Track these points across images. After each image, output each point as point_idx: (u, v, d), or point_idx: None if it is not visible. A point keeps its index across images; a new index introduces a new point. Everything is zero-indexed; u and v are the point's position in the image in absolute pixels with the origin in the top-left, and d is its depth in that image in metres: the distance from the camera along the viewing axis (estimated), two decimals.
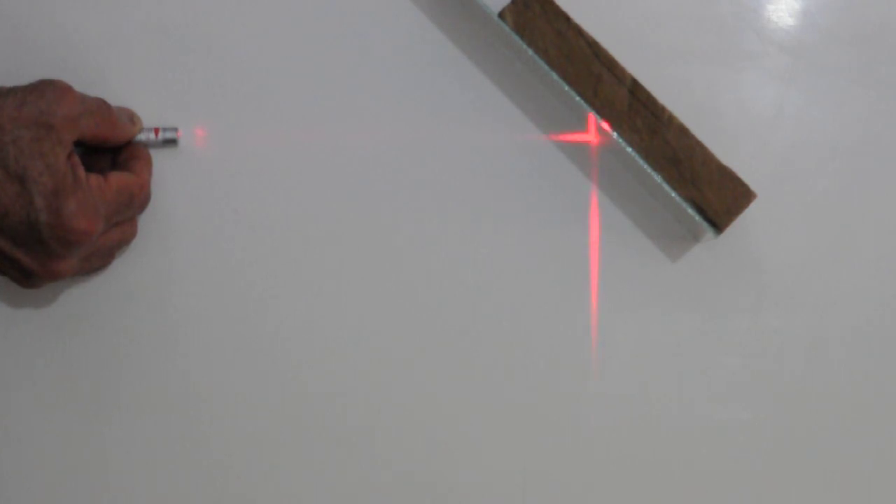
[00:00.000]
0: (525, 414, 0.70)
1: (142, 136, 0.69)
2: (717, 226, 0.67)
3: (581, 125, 0.70)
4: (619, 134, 0.68)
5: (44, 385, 0.70)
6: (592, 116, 0.68)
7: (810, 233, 0.71)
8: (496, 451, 0.71)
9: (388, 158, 0.71)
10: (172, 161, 0.70)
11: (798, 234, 0.71)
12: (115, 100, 0.68)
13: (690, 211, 0.67)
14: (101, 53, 0.70)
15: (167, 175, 0.70)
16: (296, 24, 0.71)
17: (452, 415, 0.71)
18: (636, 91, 0.68)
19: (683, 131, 0.68)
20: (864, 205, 0.71)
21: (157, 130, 0.69)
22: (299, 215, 0.71)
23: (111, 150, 0.68)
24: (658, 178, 0.67)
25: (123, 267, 0.70)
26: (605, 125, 0.68)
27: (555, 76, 0.68)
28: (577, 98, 0.68)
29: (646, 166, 0.67)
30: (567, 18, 0.68)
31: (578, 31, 0.68)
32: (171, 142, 0.70)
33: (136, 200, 0.67)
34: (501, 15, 0.68)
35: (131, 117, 0.69)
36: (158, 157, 0.70)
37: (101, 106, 0.66)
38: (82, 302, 0.70)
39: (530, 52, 0.68)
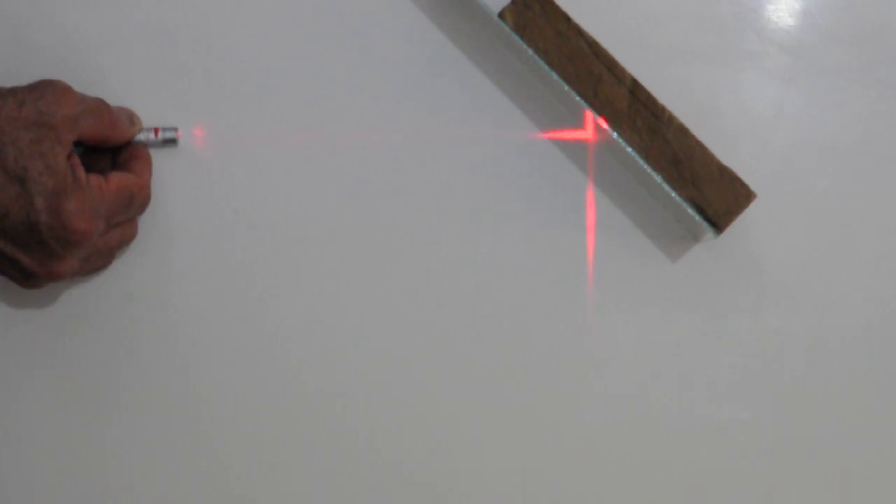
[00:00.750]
0: (525, 414, 0.70)
1: (141, 136, 0.69)
2: (717, 226, 0.67)
3: (579, 124, 0.70)
4: (619, 134, 0.68)
5: (44, 385, 0.70)
6: (590, 114, 0.68)
7: (810, 233, 0.71)
8: (496, 451, 0.70)
9: (387, 158, 0.71)
10: (172, 161, 0.70)
11: (798, 234, 0.71)
12: (114, 100, 0.68)
13: (690, 211, 0.67)
14: (100, 53, 0.70)
15: (167, 175, 0.70)
16: (296, 24, 0.71)
17: (452, 415, 0.71)
18: (636, 91, 0.68)
19: (683, 131, 0.68)
20: (864, 205, 0.71)
21: (156, 130, 0.69)
22: (299, 215, 0.71)
23: (111, 150, 0.68)
24: (658, 178, 0.67)
25: (124, 267, 0.70)
26: (605, 124, 0.68)
27: (555, 76, 0.68)
28: (577, 98, 0.68)
29: (646, 166, 0.67)
30: (567, 18, 0.68)
31: (578, 31, 0.68)
32: (171, 142, 0.70)
33: (137, 200, 0.67)
34: (501, 15, 0.68)
35: (131, 117, 0.69)
36: (158, 157, 0.70)
37: (100, 106, 0.66)
38: (83, 302, 0.70)
39: (530, 52, 0.68)
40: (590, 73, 0.68)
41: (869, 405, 0.71)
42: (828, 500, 0.71)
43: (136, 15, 0.70)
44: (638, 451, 0.71)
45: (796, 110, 0.71)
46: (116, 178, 0.65)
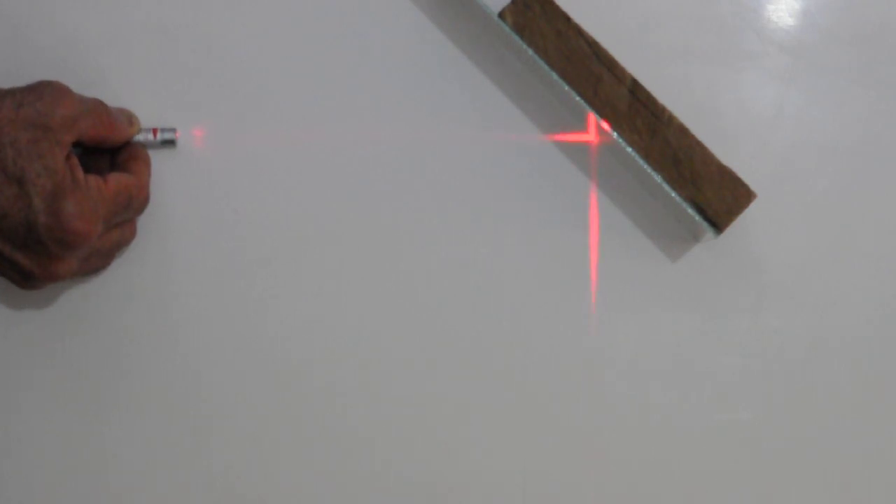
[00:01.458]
0: (525, 414, 0.70)
1: (140, 137, 0.69)
2: (717, 226, 0.67)
3: (581, 125, 0.70)
4: (619, 134, 0.68)
5: (44, 386, 0.70)
6: (592, 116, 0.68)
7: (810, 233, 0.71)
8: (496, 451, 0.70)
9: (387, 158, 0.71)
10: (171, 161, 0.70)
11: (798, 234, 0.71)
12: (113, 100, 0.68)
13: (690, 211, 0.67)
14: (99, 54, 0.70)
15: (166, 176, 0.70)
16: (295, 24, 0.71)
17: (452, 415, 0.71)
18: (636, 91, 0.68)
19: (683, 131, 0.68)
20: (864, 205, 0.71)
21: (155, 131, 0.69)
22: (299, 215, 0.71)
23: (110, 150, 0.68)
24: (658, 178, 0.67)
25: (123, 267, 0.70)
26: (605, 125, 0.68)
27: (555, 76, 0.68)
28: (577, 98, 0.68)
29: (646, 166, 0.67)
30: (567, 18, 0.68)
31: (578, 31, 0.68)
32: (170, 142, 0.70)
33: (135, 201, 0.67)
34: (501, 15, 0.68)
35: (129, 118, 0.69)
36: (157, 158, 0.70)
37: (98, 107, 0.66)
38: (82, 302, 0.70)
39: (530, 52, 0.68)
40: (590, 73, 0.68)
41: (869, 405, 0.71)
42: (828, 500, 0.71)
43: (136, 15, 0.70)
44: (638, 450, 0.71)
45: (796, 110, 0.71)
46: (115, 179, 0.65)
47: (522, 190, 0.71)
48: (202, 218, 0.70)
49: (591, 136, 0.70)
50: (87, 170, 0.65)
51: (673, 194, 0.67)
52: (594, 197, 0.71)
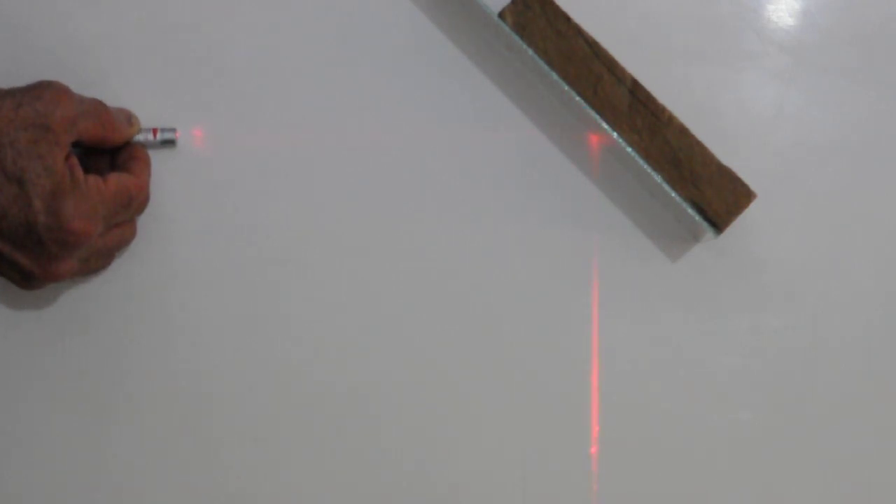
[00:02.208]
0: (525, 414, 0.70)
1: (140, 137, 0.69)
2: (717, 226, 0.67)
3: (581, 125, 0.70)
4: (619, 134, 0.68)
5: (44, 386, 0.70)
6: (592, 117, 0.68)
7: (810, 233, 0.71)
8: (496, 451, 0.70)
9: (388, 158, 0.71)
10: (171, 161, 0.70)
11: (798, 234, 0.71)
12: (113, 100, 0.68)
13: (690, 211, 0.67)
14: (99, 54, 0.70)
15: (166, 176, 0.70)
16: (296, 24, 0.71)
17: (452, 414, 0.71)
18: (636, 91, 0.68)
19: (683, 131, 0.68)
20: (864, 205, 0.71)
21: (155, 131, 0.69)
22: (300, 215, 0.70)
23: (110, 150, 0.68)
24: (658, 178, 0.67)
25: (124, 267, 0.70)
26: (605, 124, 0.68)
27: (555, 76, 0.68)
28: (577, 98, 0.68)
29: (646, 166, 0.67)
30: (567, 18, 0.68)
31: (578, 31, 0.68)
32: (170, 142, 0.70)
33: (135, 202, 0.66)
34: (501, 15, 0.68)
35: (129, 118, 0.69)
36: (157, 158, 0.69)
37: (98, 107, 0.66)
38: (83, 303, 0.70)
39: (530, 52, 0.68)
40: (590, 73, 0.68)
41: (869, 405, 0.71)
42: (828, 500, 0.71)
43: (136, 15, 0.70)
44: (638, 450, 0.71)
45: (796, 110, 0.71)
46: (115, 179, 0.65)
47: (522, 190, 0.71)
48: (202, 218, 0.70)
49: (591, 137, 0.70)
50: (87, 170, 0.65)
51: (673, 194, 0.67)
52: (591, 196, 0.71)
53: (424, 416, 0.71)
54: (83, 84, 0.67)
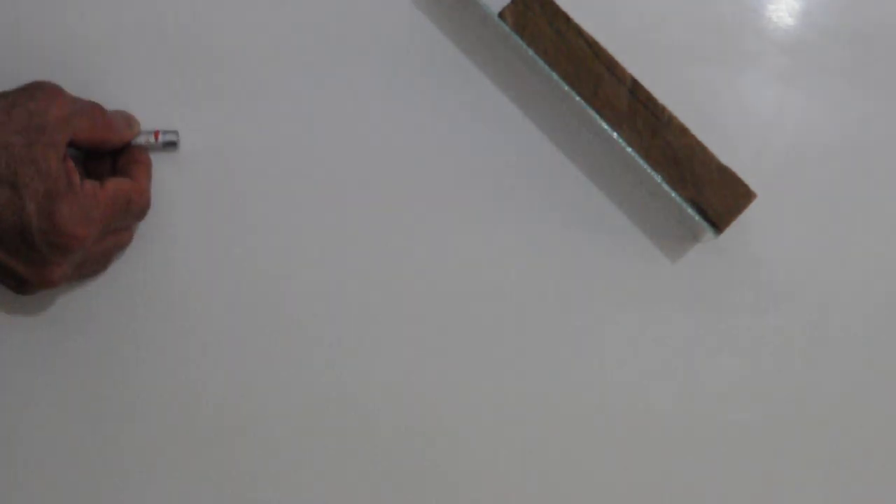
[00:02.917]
0: (525, 414, 0.70)
1: (141, 140, 0.69)
2: (717, 226, 0.67)
3: (581, 125, 0.70)
4: (619, 134, 0.68)
5: (42, 391, 0.70)
6: (592, 117, 0.68)
7: (810, 233, 0.71)
8: (496, 451, 0.70)
9: (387, 158, 0.71)
10: (173, 164, 0.70)
11: (798, 234, 0.71)
12: (113, 102, 0.68)
13: (690, 211, 0.67)
14: (99, 55, 0.70)
15: (168, 179, 0.70)
16: (296, 24, 0.71)
17: (452, 414, 0.71)
18: (636, 91, 0.68)
19: (683, 131, 0.68)
20: (864, 205, 0.71)
21: (157, 133, 0.69)
22: (301, 217, 0.71)
23: (111, 155, 0.68)
24: (658, 178, 0.67)
25: (123, 271, 0.70)
26: (605, 125, 0.68)
27: (555, 76, 0.68)
28: (577, 98, 0.68)
29: (646, 166, 0.67)
30: (567, 18, 0.68)
31: (578, 31, 0.68)
32: (172, 144, 0.69)
33: (135, 206, 0.66)
34: (501, 15, 0.68)
35: (128, 120, 0.68)
36: (159, 162, 0.69)
37: (93, 107, 0.65)
38: (83, 306, 0.70)
39: (530, 52, 0.68)
40: (590, 73, 0.68)
41: (869, 405, 0.71)
42: (828, 500, 0.71)
43: (135, 16, 0.70)
44: (638, 450, 0.71)
45: (796, 110, 0.71)
46: (113, 184, 0.65)
47: (522, 190, 0.71)
48: (204, 221, 0.70)
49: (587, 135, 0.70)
50: (87, 175, 0.65)
51: (673, 194, 0.67)
52: (594, 197, 0.71)
53: (423, 416, 0.71)
54: (83, 85, 0.67)
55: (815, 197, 0.71)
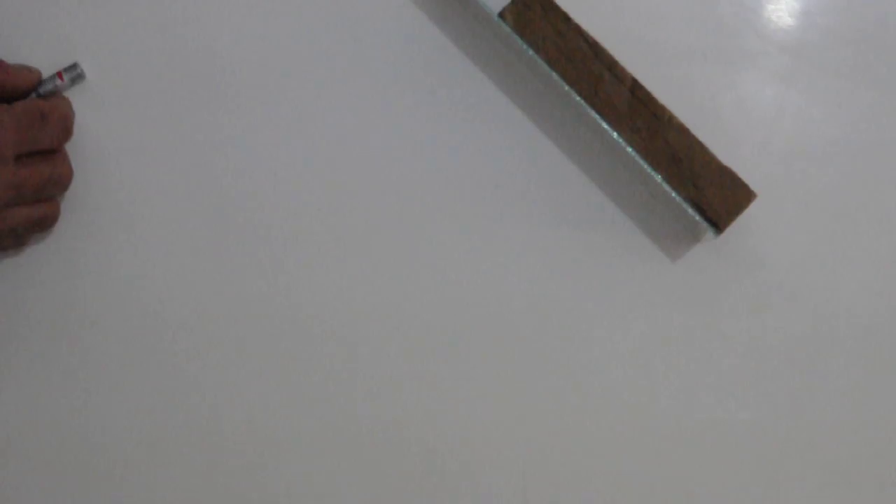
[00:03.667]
0: (525, 413, 0.70)
1: (49, 87, 0.68)
2: (717, 226, 0.67)
3: (581, 125, 0.70)
4: (619, 134, 0.68)
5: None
6: (592, 117, 0.68)
7: (810, 232, 0.71)
8: (496, 452, 0.70)
9: (387, 158, 0.71)
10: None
11: (798, 233, 0.71)
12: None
13: (690, 211, 0.67)
14: None
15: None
16: (295, 23, 0.71)
17: (452, 414, 0.71)
18: (636, 91, 0.68)
19: (683, 131, 0.68)
20: (864, 204, 0.71)
21: (60, 74, 0.68)
22: (301, 216, 0.71)
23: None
24: (658, 178, 0.67)
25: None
26: (605, 125, 0.68)
27: (555, 76, 0.68)
28: (577, 98, 0.68)
29: (646, 166, 0.67)
30: (567, 18, 0.68)
31: (578, 31, 0.68)
32: (79, 78, 0.69)
33: (51, 119, 0.64)
34: (501, 15, 0.68)
35: (27, 67, 0.67)
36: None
37: None
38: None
39: (530, 52, 0.68)
40: (590, 73, 0.68)
41: (869, 405, 0.71)
42: (828, 500, 0.71)
43: None
44: (638, 450, 0.71)
45: (796, 110, 0.71)
46: (22, 103, 0.63)
47: (522, 190, 0.71)
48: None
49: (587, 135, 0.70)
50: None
51: (673, 194, 0.67)
52: (594, 197, 0.71)
53: (423, 416, 0.71)
54: None
55: (815, 197, 0.71)
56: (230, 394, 0.70)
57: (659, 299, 0.71)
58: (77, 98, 0.69)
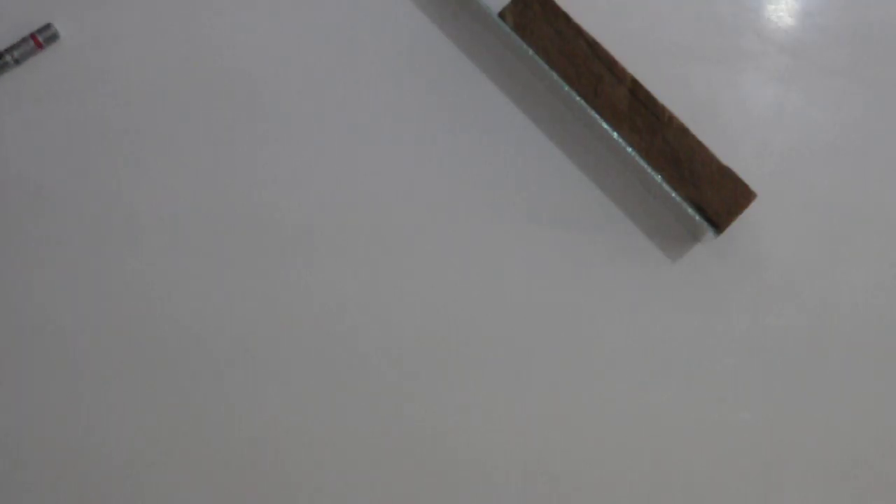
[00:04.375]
0: (525, 413, 0.70)
1: (26, 49, 0.68)
2: (717, 226, 0.67)
3: (581, 125, 0.70)
4: (619, 134, 0.68)
5: None
6: (592, 117, 0.68)
7: (810, 232, 0.71)
8: (496, 451, 0.70)
9: (387, 158, 0.71)
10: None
11: (798, 233, 0.71)
12: None
13: (690, 211, 0.67)
14: None
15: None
16: (295, 23, 0.71)
17: (453, 414, 0.71)
18: (636, 91, 0.68)
19: (683, 131, 0.68)
20: (864, 205, 0.71)
21: (34, 37, 0.68)
22: (306, 219, 0.71)
23: None
24: (658, 178, 0.67)
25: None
26: (605, 125, 0.68)
27: (555, 76, 0.68)
28: (577, 98, 0.68)
29: (646, 166, 0.67)
30: (567, 18, 0.68)
31: (578, 31, 0.68)
32: (54, 38, 0.68)
33: None
34: (501, 15, 0.68)
35: None
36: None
37: None
38: None
39: (530, 52, 0.68)
40: (590, 73, 0.68)
41: (869, 405, 0.71)
42: (827, 500, 0.71)
43: None
44: (638, 449, 0.71)
45: (796, 110, 0.71)
46: None
47: (522, 190, 0.71)
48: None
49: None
50: None
51: (673, 194, 0.67)
52: (595, 197, 0.71)
53: (423, 416, 0.71)
54: None
55: (815, 197, 0.71)
56: (230, 393, 0.70)
57: (659, 299, 0.71)
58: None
